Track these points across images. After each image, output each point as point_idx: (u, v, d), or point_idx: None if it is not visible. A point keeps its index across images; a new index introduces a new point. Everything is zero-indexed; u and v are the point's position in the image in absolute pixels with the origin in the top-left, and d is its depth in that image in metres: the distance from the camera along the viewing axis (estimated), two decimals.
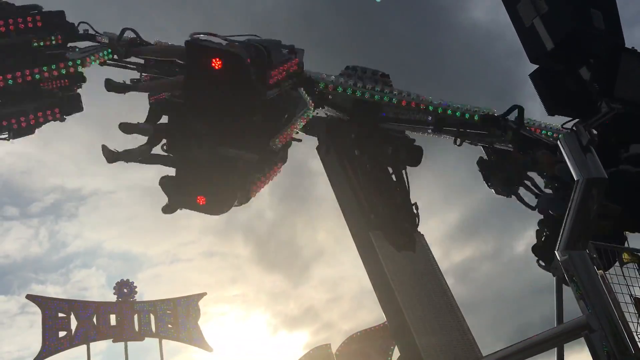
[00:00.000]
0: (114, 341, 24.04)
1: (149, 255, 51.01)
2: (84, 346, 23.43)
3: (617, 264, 7.02)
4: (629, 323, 6.34)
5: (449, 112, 10.46)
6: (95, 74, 8.59)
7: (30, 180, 44.39)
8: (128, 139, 7.30)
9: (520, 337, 6.59)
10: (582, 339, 5.98)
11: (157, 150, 7.24)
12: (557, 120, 8.67)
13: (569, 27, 6.40)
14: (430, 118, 10.67)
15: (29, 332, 41.34)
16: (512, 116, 10.21)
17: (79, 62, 7.94)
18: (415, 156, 10.68)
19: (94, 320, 23.94)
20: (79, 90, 8.59)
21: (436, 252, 10.34)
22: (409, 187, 10.81)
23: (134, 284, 25.56)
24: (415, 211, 10.59)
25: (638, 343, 6.10)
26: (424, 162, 10.90)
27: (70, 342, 23.38)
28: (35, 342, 23.82)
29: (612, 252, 6.77)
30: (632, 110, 7.14)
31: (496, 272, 41.09)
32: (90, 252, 48.31)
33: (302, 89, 7.81)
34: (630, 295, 6.86)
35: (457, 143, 10.64)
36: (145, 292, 49.54)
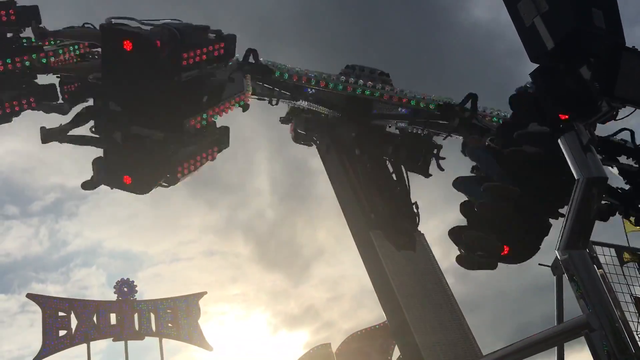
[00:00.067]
0: (114, 340, 24.02)
1: (149, 254, 51.07)
2: (84, 345, 23.41)
3: (617, 263, 7.04)
4: (629, 322, 6.35)
5: (413, 102, 10.49)
6: None
7: (31, 179, 44.46)
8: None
9: (520, 337, 6.59)
10: (582, 338, 5.98)
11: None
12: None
13: (569, 26, 6.40)
14: (405, 111, 10.74)
15: (29, 331, 41.41)
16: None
17: (60, 52, 8.19)
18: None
19: (94, 319, 23.91)
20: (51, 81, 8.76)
21: (436, 251, 10.37)
22: (409, 186, 10.83)
23: (135, 283, 25.55)
24: (415, 210, 10.61)
25: (638, 342, 6.11)
26: None
27: (71, 341, 23.36)
28: (35, 341, 23.90)
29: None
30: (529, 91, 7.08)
31: (496, 271, 40.92)
32: (90, 251, 48.40)
33: (248, 75, 7.95)
34: (631, 295, 6.88)
35: (444, 138, 10.74)
36: (146, 291, 49.44)
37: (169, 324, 25.07)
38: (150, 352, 25.35)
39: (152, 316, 24.90)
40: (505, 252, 7.36)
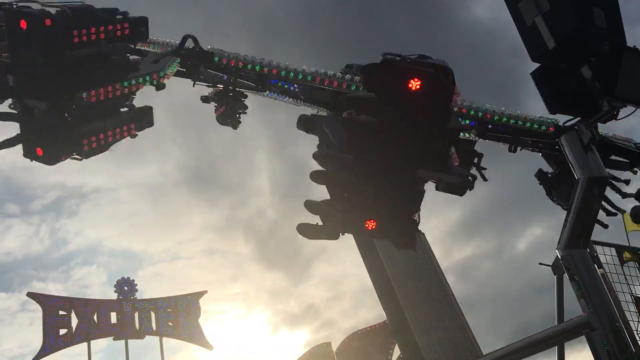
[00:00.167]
0: (114, 339, 24.04)
1: (149, 253, 51.12)
2: (85, 344, 23.42)
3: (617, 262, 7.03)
4: (630, 322, 6.35)
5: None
6: None
7: (32, 178, 44.37)
8: None
9: (520, 336, 6.60)
10: (583, 337, 5.99)
11: None
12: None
13: (570, 25, 6.40)
14: None
15: (30, 330, 41.44)
16: None
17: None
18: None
19: (95, 318, 23.93)
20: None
21: (437, 250, 10.39)
22: None
23: (135, 282, 25.58)
24: None
25: (638, 341, 6.11)
26: None
27: (71, 339, 23.39)
28: (35, 339, 23.92)
29: None
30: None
31: (497, 270, 41.09)
32: (91, 249, 48.33)
33: (166, 57, 8.03)
34: (631, 294, 6.87)
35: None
36: (146, 290, 49.62)
37: (170, 323, 25.09)
38: (150, 351, 25.43)
39: (153, 315, 24.92)
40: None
